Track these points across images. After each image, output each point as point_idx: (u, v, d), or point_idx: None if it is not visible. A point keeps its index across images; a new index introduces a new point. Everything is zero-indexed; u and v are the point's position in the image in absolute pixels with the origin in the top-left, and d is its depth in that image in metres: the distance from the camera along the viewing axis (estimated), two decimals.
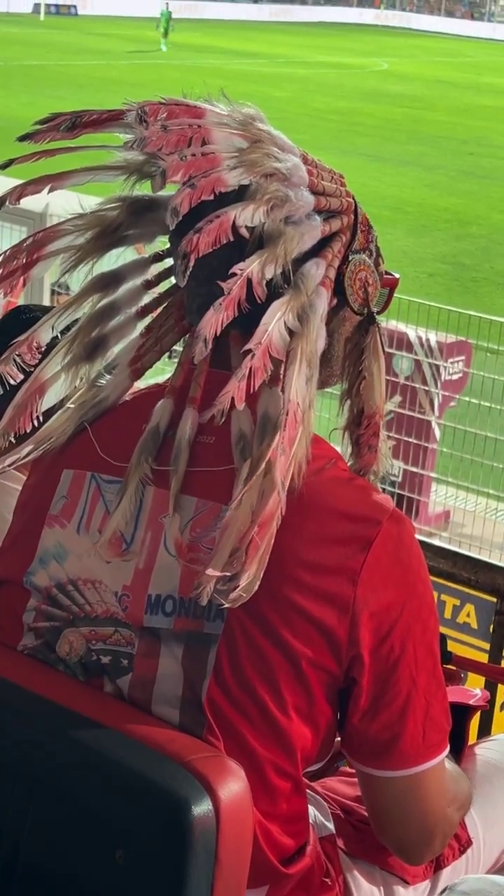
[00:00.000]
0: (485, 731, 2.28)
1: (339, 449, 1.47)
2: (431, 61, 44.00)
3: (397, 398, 6.87)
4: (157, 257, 1.51)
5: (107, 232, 1.45)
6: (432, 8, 76.53)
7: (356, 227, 1.46)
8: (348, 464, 1.48)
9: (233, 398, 1.26)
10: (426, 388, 6.90)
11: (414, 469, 6.90)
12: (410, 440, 6.83)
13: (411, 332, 6.87)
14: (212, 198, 1.30)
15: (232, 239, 1.30)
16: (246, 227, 1.31)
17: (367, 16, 70.89)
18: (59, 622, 1.41)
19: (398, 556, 1.37)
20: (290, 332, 1.33)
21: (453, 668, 1.87)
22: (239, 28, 55.04)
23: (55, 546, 1.42)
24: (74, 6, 56.45)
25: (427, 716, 1.39)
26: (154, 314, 1.50)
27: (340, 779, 1.72)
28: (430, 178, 20.34)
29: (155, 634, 1.35)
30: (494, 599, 2.29)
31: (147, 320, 1.50)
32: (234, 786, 1.26)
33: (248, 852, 1.29)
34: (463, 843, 1.67)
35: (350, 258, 1.44)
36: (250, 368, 1.28)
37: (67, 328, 1.49)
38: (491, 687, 2.29)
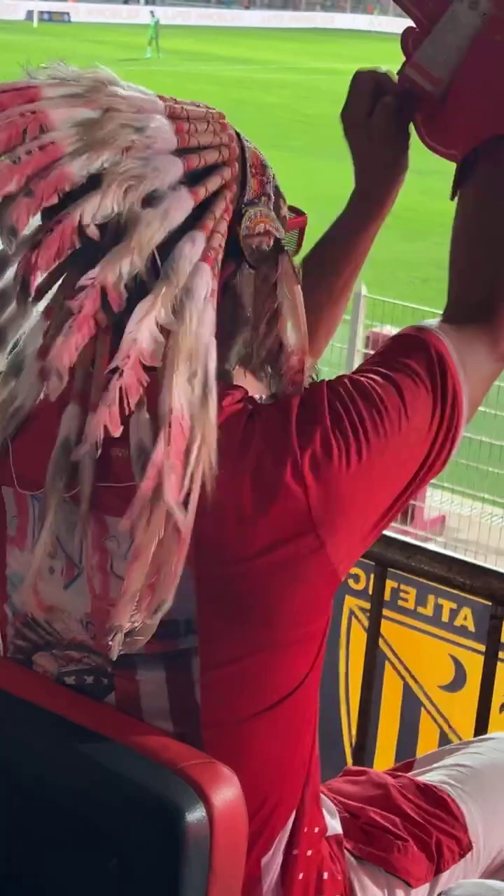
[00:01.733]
0: (481, 730, 2.28)
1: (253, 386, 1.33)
2: None
3: None
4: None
5: None
6: None
7: (246, 175, 1.30)
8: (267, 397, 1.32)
9: (106, 427, 1.14)
10: None
11: None
12: None
13: None
14: (56, 201, 1.15)
15: (78, 245, 1.15)
16: (97, 224, 1.16)
17: (359, 21, 70.94)
18: (31, 643, 1.40)
19: (329, 480, 1.24)
20: (165, 331, 1.17)
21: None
22: (231, 34, 55.07)
23: (21, 569, 1.36)
24: (67, 13, 56.48)
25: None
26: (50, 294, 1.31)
27: (347, 779, 1.72)
28: (424, 184, 20.24)
29: (128, 660, 1.30)
30: (490, 603, 2.29)
31: (45, 302, 1.30)
32: (227, 792, 1.25)
33: (243, 859, 1.29)
34: (463, 847, 1.67)
35: (243, 212, 1.28)
36: (120, 389, 1.14)
37: None
38: (487, 686, 2.29)
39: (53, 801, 1.32)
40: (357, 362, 7.07)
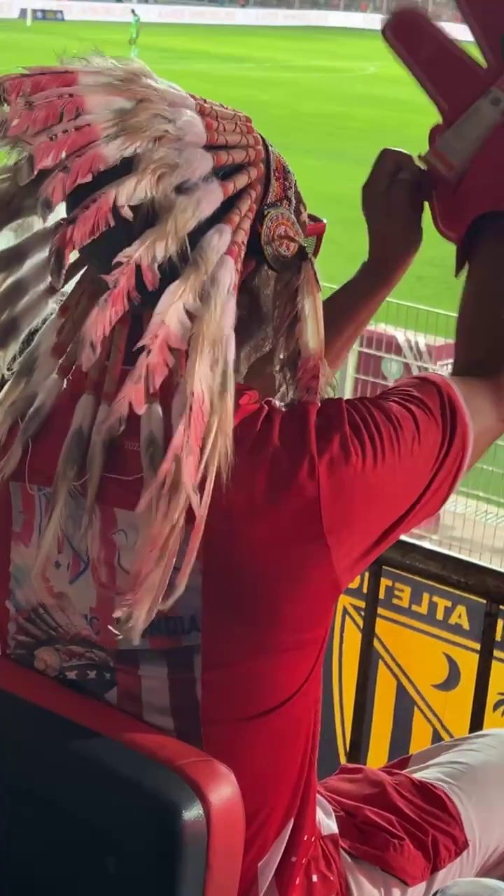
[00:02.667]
0: (476, 728, 2.28)
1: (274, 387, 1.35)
2: None
3: None
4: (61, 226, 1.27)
5: (0, 206, 1.29)
6: None
7: (269, 178, 1.34)
8: (285, 402, 1.34)
9: (131, 404, 1.17)
10: None
11: None
12: None
13: (400, 334, 6.89)
14: (89, 179, 1.18)
15: (113, 224, 1.18)
16: (130, 205, 1.18)
17: (354, 19, 70.93)
18: (33, 639, 1.40)
19: (344, 483, 1.26)
20: (192, 316, 1.20)
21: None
22: (225, 32, 55.06)
23: (24, 565, 1.37)
24: (61, 11, 56.45)
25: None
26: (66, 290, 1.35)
27: (343, 777, 1.72)
28: None
29: (132, 655, 1.31)
30: (485, 601, 2.30)
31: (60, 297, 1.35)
32: (224, 790, 1.26)
33: (240, 857, 1.29)
34: (460, 845, 1.67)
35: (265, 213, 1.33)
36: (147, 367, 1.17)
37: None
38: (482, 684, 2.29)
39: (50, 799, 1.32)
40: (352, 361, 7.06)
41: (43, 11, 55.52)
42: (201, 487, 1.19)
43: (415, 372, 6.88)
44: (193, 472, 1.18)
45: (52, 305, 1.34)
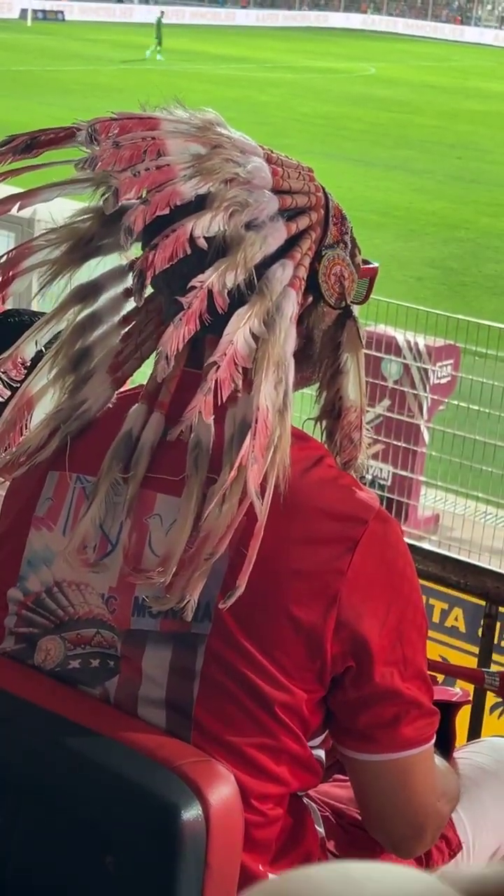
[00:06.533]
0: (474, 734, 2.28)
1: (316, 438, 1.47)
2: (418, 66, 43.93)
3: (386, 402, 6.88)
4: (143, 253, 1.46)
5: (81, 244, 1.43)
6: (419, 12, 76.65)
7: (328, 222, 1.45)
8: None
9: (200, 412, 1.27)
10: (415, 392, 6.92)
11: (403, 473, 6.91)
12: (399, 444, 6.84)
13: (400, 336, 6.89)
14: (167, 212, 1.30)
15: (189, 252, 1.30)
16: (204, 237, 1.31)
17: (353, 20, 70.92)
18: (37, 629, 1.42)
19: (384, 556, 1.37)
20: (257, 339, 1.32)
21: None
22: (226, 33, 55.07)
23: (43, 549, 1.43)
24: (62, 12, 56.44)
25: (417, 709, 1.40)
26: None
27: (334, 784, 1.72)
28: (418, 183, 20.36)
29: (140, 636, 1.35)
30: (484, 603, 2.30)
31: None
32: (223, 790, 1.26)
33: (238, 857, 1.29)
34: (453, 848, 1.67)
35: (323, 253, 1.43)
36: (216, 381, 1.28)
37: (51, 341, 1.48)
38: (479, 690, 2.29)
39: (48, 799, 1.32)
40: None
41: (43, 12, 55.33)
42: (262, 493, 1.29)
43: (414, 373, 6.88)
44: (257, 479, 1.28)
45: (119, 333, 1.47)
